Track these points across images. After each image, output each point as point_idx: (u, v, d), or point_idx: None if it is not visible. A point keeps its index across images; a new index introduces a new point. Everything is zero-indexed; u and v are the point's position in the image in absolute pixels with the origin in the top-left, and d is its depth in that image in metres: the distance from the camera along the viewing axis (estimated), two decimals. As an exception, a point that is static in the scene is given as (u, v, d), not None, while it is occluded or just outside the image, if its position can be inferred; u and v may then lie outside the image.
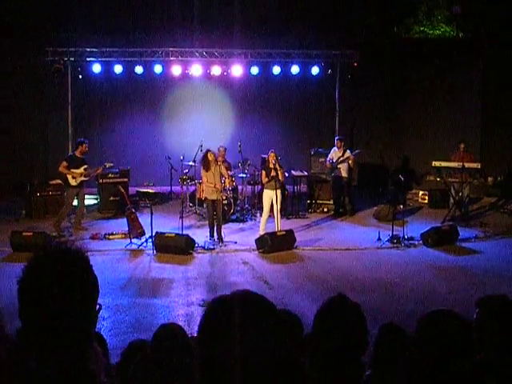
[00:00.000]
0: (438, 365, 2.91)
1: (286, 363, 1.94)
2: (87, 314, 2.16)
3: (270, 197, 14.40)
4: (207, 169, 14.10)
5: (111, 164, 16.01)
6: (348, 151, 17.35)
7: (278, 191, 14.31)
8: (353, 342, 3.11)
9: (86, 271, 2.19)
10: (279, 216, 14.44)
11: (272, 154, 14.48)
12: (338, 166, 17.25)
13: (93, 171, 15.47)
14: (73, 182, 14.94)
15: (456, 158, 16.60)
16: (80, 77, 19.12)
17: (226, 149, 16.69)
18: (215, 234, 14.23)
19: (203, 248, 13.72)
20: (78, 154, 15.16)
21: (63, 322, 2.08)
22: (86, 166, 15.10)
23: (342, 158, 17.20)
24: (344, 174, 17.31)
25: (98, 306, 2.22)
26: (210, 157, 14.12)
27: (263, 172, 14.56)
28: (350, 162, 17.25)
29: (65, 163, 14.93)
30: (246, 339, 1.88)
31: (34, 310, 2.09)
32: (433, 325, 3.03)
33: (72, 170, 14.91)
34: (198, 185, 16.85)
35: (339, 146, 17.38)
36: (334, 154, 17.45)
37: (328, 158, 17.56)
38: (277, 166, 14.30)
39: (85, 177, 15.10)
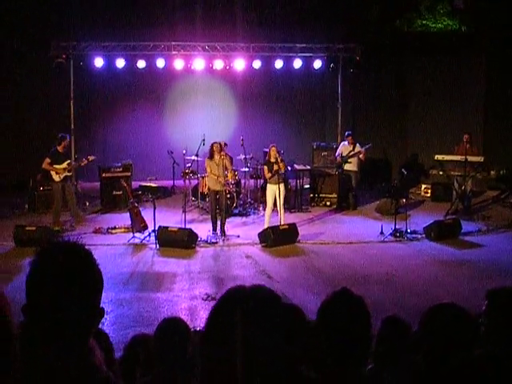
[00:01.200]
0: (441, 358, 2.91)
1: (288, 360, 1.94)
2: (91, 307, 2.17)
3: (274, 191, 14.39)
4: (211, 157, 14.14)
5: (93, 157, 16.05)
6: (358, 145, 17.35)
7: (281, 185, 14.31)
8: (356, 335, 3.11)
9: (91, 265, 2.20)
10: (282, 210, 14.46)
11: (273, 148, 14.47)
12: (349, 161, 17.26)
13: (76, 165, 15.63)
14: (56, 178, 15.04)
15: (460, 150, 16.56)
16: (82, 71, 19.10)
17: (225, 144, 16.54)
18: (218, 227, 14.24)
19: (206, 242, 13.74)
20: (60, 149, 15.20)
21: (67, 316, 2.08)
22: (68, 161, 15.19)
23: (352, 153, 17.21)
24: (355, 168, 17.34)
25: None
26: (215, 148, 14.15)
27: (265, 167, 14.54)
28: (361, 156, 17.26)
29: (48, 160, 15.01)
30: (251, 333, 1.87)
31: (39, 303, 2.09)
32: (436, 318, 3.03)
33: (55, 166, 14.99)
34: (200, 179, 16.86)
35: (351, 142, 17.39)
36: (344, 148, 17.46)
37: (337, 153, 17.58)
38: (278, 160, 14.30)
39: (68, 172, 15.18)
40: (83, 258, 2.19)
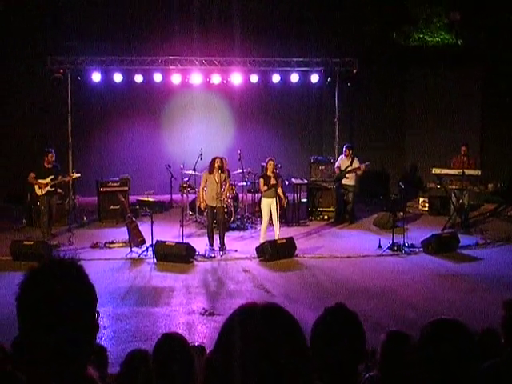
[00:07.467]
0: (441, 374, 2.89)
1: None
2: (84, 325, 2.13)
3: (269, 205, 14.38)
4: (210, 172, 14.12)
5: (78, 175, 16.02)
6: (356, 160, 17.33)
7: (277, 199, 14.31)
8: (350, 351, 3.09)
9: (80, 282, 2.16)
10: (278, 224, 14.42)
11: (271, 162, 14.46)
12: (347, 176, 17.25)
13: (59, 181, 15.56)
14: (39, 192, 15.15)
15: (457, 162, 16.59)
16: (79, 85, 19.10)
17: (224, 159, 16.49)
18: (214, 242, 14.21)
19: (204, 256, 13.72)
20: (45, 164, 15.26)
21: (59, 335, 2.05)
22: (52, 177, 15.22)
23: (350, 168, 17.18)
24: (352, 182, 17.30)
25: (96, 315, 2.19)
26: (216, 163, 14.11)
27: (261, 180, 14.52)
28: (359, 172, 17.22)
29: (32, 174, 15.14)
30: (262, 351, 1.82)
31: (30, 326, 2.07)
32: (436, 334, 3.01)
33: (39, 181, 15.08)
34: (198, 193, 16.83)
35: (347, 155, 17.38)
36: (342, 162, 17.45)
37: (336, 166, 17.59)
38: (273, 175, 14.31)
39: (51, 187, 15.22)
40: (72, 274, 2.15)
